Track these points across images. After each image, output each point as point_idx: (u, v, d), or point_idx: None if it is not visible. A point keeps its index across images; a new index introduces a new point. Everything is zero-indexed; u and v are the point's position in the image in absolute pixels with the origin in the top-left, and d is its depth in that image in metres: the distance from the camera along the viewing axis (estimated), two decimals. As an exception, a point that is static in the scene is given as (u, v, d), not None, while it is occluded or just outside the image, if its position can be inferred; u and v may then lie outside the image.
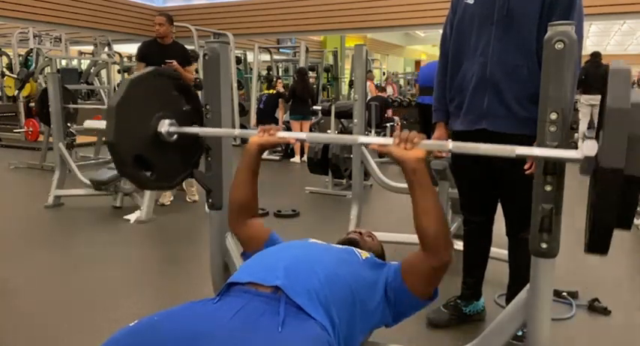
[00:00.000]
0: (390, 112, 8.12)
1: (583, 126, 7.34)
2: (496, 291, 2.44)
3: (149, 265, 3.13)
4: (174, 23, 4.34)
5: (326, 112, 6.80)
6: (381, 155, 7.30)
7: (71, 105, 5.37)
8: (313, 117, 7.67)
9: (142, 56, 4.15)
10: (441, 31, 2.13)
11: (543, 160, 1.21)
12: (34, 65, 9.57)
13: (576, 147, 1.10)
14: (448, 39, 2.03)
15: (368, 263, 1.39)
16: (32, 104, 7.56)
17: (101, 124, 1.55)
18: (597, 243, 1.03)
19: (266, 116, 7.50)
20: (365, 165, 3.17)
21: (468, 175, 2.11)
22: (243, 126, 8.32)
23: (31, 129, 8.32)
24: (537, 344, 1.33)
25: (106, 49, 11.20)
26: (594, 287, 2.58)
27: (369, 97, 7.60)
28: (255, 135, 1.49)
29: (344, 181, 5.27)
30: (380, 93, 8.90)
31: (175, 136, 1.58)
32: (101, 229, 3.88)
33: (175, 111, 1.61)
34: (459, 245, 2.19)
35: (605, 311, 2.33)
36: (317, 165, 5.20)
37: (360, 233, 1.68)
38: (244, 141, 1.55)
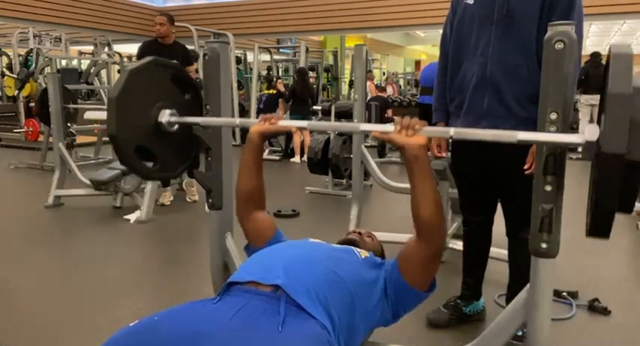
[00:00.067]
0: (390, 112, 8.11)
1: (583, 126, 7.34)
2: (496, 291, 2.44)
3: (149, 265, 3.13)
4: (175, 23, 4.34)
5: (326, 112, 6.79)
6: (381, 155, 7.32)
7: (71, 105, 5.36)
8: (313, 117, 7.67)
9: (143, 56, 4.14)
10: (441, 31, 2.13)
11: (543, 160, 1.21)
12: (34, 65, 9.56)
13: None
14: (448, 39, 2.03)
15: (367, 263, 1.40)
16: (32, 104, 7.54)
17: (102, 115, 1.54)
18: (598, 226, 1.02)
19: (266, 116, 7.50)
20: (365, 165, 3.17)
21: (468, 175, 2.11)
22: (243, 126, 8.30)
23: (31, 129, 8.30)
24: (537, 344, 1.33)
25: (106, 49, 11.20)
26: (594, 287, 2.58)
27: (369, 97, 7.59)
28: (256, 124, 1.49)
29: (344, 181, 5.27)
30: (380, 94, 8.90)
31: (176, 126, 1.57)
32: (101, 229, 3.88)
33: (176, 101, 1.60)
34: (458, 245, 2.19)
35: (605, 311, 2.33)
36: (317, 165, 5.20)
37: (360, 233, 1.68)
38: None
